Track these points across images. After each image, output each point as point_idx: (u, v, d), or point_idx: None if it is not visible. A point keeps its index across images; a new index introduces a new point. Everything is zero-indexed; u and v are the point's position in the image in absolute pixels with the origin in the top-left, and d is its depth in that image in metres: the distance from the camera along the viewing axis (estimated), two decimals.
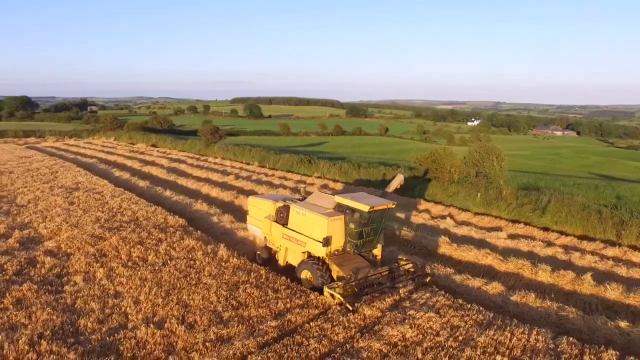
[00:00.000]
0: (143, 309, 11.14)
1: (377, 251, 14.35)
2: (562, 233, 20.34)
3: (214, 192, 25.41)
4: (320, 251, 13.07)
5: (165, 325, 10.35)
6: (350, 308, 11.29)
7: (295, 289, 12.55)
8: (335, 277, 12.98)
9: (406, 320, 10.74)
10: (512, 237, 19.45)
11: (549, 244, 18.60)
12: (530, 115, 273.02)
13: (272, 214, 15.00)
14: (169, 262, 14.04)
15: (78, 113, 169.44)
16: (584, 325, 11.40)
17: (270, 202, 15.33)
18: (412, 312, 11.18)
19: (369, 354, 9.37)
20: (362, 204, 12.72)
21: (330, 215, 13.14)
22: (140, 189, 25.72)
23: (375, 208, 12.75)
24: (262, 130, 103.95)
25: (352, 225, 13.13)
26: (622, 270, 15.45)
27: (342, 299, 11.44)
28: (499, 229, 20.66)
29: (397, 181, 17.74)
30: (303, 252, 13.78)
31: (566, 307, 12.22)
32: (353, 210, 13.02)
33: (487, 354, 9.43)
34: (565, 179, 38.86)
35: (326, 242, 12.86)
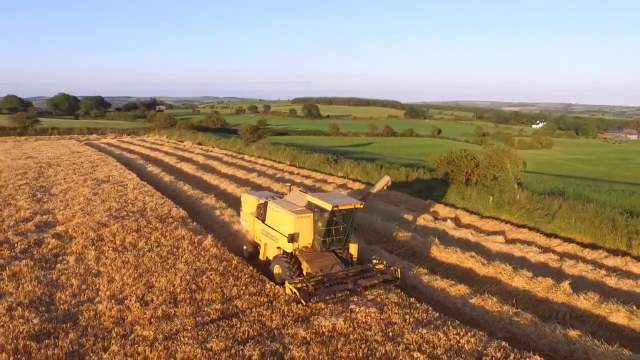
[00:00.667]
0: (113, 287, 12.43)
1: (353, 250, 14.54)
2: (569, 240, 19.38)
3: (230, 188, 26.76)
4: (288, 247, 13.56)
5: (125, 302, 11.52)
6: (304, 303, 11.61)
7: (256, 278, 13.29)
8: (305, 273, 13.32)
9: (344, 313, 11.11)
10: (510, 241, 18.88)
11: (547, 250, 17.84)
12: (601, 118, 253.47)
13: (254, 210, 15.80)
14: (154, 248, 15.37)
15: (144, 112, 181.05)
16: (533, 331, 11.10)
17: (254, 198, 16.15)
18: (354, 306, 11.50)
19: (291, 339, 9.90)
20: (327, 202, 13.06)
21: (299, 213, 13.61)
22: (163, 183, 27.74)
23: (339, 207, 13.04)
24: (313, 130, 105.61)
25: (319, 224, 13.49)
26: (611, 281, 14.59)
27: (297, 294, 11.79)
28: (500, 233, 20.08)
29: (383, 182, 17.84)
30: (277, 248, 14.34)
31: (523, 312, 11.92)
32: (320, 208, 13.42)
33: (407, 350, 9.60)
34: (612, 185, 36.32)
35: (291, 238, 13.30)
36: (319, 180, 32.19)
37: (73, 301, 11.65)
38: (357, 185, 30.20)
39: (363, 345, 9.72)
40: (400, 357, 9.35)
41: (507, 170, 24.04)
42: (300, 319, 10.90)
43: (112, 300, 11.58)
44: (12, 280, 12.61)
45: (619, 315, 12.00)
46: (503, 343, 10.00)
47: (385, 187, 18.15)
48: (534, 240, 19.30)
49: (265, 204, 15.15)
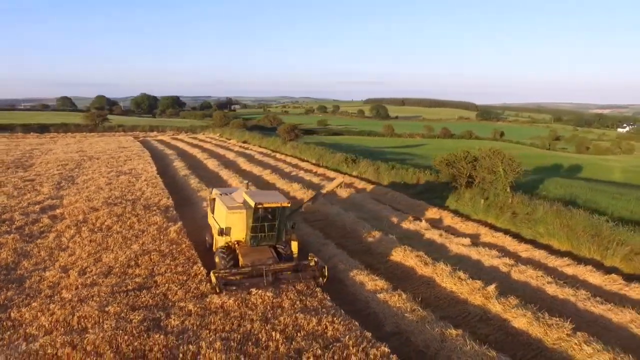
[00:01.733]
0: (69, 259, 14.53)
1: (294, 247, 14.92)
2: (546, 247, 18.67)
3: (235, 183, 28.55)
4: (220, 240, 14.49)
5: (69, 271, 13.50)
6: (218, 291, 12.29)
7: (191, 261, 14.68)
8: (241, 265, 13.91)
9: (240, 295, 12.12)
10: (477, 244, 18.49)
11: (510, 255, 17.37)
12: None
13: (209, 204, 17.16)
14: (123, 231, 17.39)
15: (215, 111, 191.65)
16: (417, 328, 11.30)
17: (213, 193, 17.54)
18: (254, 289, 12.45)
19: (177, 311, 11.17)
20: (253, 200, 13.74)
21: (232, 209, 14.41)
22: (178, 176, 30.26)
23: (264, 205, 13.68)
24: (368, 131, 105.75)
25: (249, 220, 14.05)
26: (551, 289, 14.08)
27: (215, 282, 12.47)
28: (473, 236, 19.70)
29: (335, 183, 18.37)
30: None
31: (420, 310, 12.08)
32: (248, 205, 14.07)
33: (272, 330, 10.42)
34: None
35: (221, 231, 14.19)
36: (330, 178, 33.02)
37: (31, 268, 13.86)
38: (362, 184, 30.59)
39: (235, 321, 10.73)
40: (260, 334, 10.22)
41: (499, 173, 23.28)
42: (198, 297, 12.11)
43: (60, 269, 13.62)
44: None
45: (521, 321, 11.78)
46: (365, 333, 10.46)
47: (338, 188, 18.63)
48: (504, 244, 18.77)
49: (214, 199, 16.36)
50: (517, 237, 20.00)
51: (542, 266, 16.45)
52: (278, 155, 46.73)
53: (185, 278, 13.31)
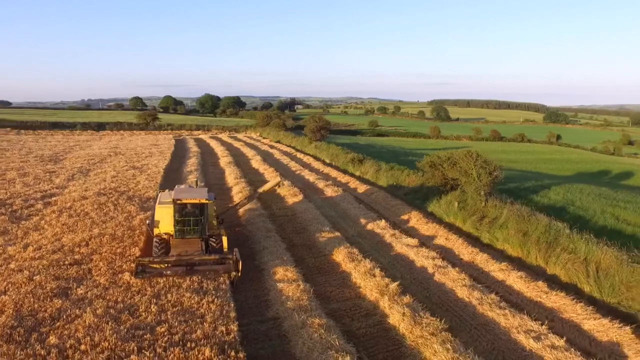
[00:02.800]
0: (36, 238, 16.85)
1: (224, 241, 15.62)
2: (499, 252, 18.40)
3: (230, 179, 30.37)
4: (155, 231, 15.57)
5: (28, 248, 15.74)
6: (133, 277, 13.34)
7: (134, 245, 16.43)
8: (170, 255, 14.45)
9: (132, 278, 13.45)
10: (423, 245, 18.58)
11: (448, 257, 17.40)
12: None
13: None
14: (96, 217, 19.62)
15: (274, 111, 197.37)
16: (290, 315, 12.05)
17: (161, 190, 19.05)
18: (156, 276, 13.66)
19: (90, 283, 12.96)
20: (174, 195, 14.87)
21: (161, 203, 15.57)
22: (184, 173, 32.63)
23: (183, 201, 14.56)
24: (412, 132, 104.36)
25: (175, 214, 14.78)
26: (461, 291, 14.04)
27: (133, 268, 13.48)
28: (427, 237, 19.85)
29: (272, 183, 19.09)
30: None
31: (307, 299, 12.82)
32: (172, 200, 15.01)
33: (155, 304, 11.80)
34: None
35: (150, 224, 15.57)
36: (331, 177, 33.92)
37: (1, 243, 16.30)
38: (356, 184, 31.07)
39: (129, 294, 12.36)
40: (141, 306, 11.66)
41: (471, 176, 22.86)
42: (117, 273, 13.76)
43: (22, 246, 15.94)
44: None
45: (396, 317, 12.14)
46: (231, 313, 11.52)
47: (276, 188, 19.32)
48: (453, 247, 18.67)
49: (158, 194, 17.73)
50: (477, 241, 19.82)
51: (476, 270, 16.41)
52: (298, 155, 48.24)
53: (117, 258, 15.06)
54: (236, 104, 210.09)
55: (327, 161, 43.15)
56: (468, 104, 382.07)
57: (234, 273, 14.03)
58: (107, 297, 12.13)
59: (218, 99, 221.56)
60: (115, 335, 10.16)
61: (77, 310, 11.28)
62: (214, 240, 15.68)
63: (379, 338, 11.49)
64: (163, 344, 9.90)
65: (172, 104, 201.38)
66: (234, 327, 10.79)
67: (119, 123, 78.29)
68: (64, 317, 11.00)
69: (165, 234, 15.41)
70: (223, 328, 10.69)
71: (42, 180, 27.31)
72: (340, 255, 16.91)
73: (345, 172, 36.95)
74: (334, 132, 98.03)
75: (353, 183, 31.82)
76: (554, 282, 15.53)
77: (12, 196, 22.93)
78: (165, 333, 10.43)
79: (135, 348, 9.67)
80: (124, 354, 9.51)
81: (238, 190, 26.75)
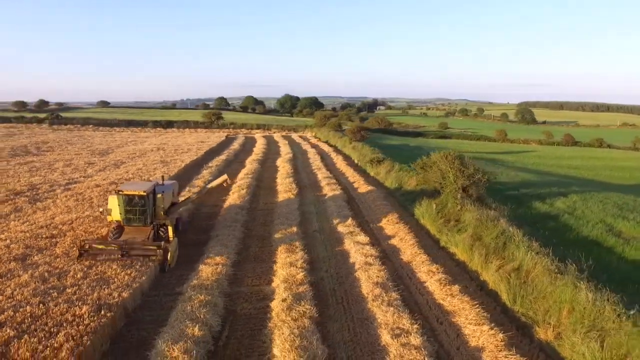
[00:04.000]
0: (38, 216, 20.21)
1: (170, 231, 17.16)
2: (450, 255, 18.37)
3: (241, 175, 32.63)
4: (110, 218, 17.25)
5: (24, 223, 19.02)
6: (77, 256, 15.14)
7: (104, 225, 19.06)
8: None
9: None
10: (373, 244, 19.00)
11: (387, 256, 17.80)
12: None
13: None
14: (95, 201, 22.77)
15: (350, 112, 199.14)
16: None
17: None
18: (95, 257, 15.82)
19: (36, 252, 15.58)
20: (118, 187, 16.86)
21: (114, 193, 17.24)
22: (201, 165, 35.60)
23: (124, 192, 16.10)
24: (477, 135, 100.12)
25: (122, 204, 16.35)
26: (367, 288, 14.68)
27: (78, 249, 15.33)
28: (387, 236, 20.33)
29: (220, 180, 20.37)
30: None
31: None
32: None
33: (74, 270, 14.09)
34: None
35: (104, 212, 17.72)
36: (346, 176, 34.92)
37: (11, 217, 19.85)
38: (360, 184, 31.62)
39: (55, 265, 14.65)
40: (70, 274, 13.91)
41: (448, 179, 22.55)
42: (72, 246, 16.27)
43: (22, 220, 19.33)
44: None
45: (276, 302, 13.19)
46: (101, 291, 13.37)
47: (224, 185, 20.62)
48: (402, 248, 18.82)
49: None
50: (436, 243, 19.82)
51: (405, 269, 16.70)
52: (332, 154, 49.63)
53: (84, 236, 17.70)
54: (313, 104, 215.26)
55: (355, 161, 43.94)
56: (561, 106, 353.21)
57: (160, 259, 15.32)
58: (52, 264, 14.61)
59: (297, 99, 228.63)
60: (32, 292, 12.49)
61: (21, 272, 13.87)
62: (162, 230, 17.25)
63: (252, 318, 12.60)
64: (60, 301, 12.00)
65: (252, 104, 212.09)
66: (126, 294, 12.59)
67: (186, 121, 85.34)
68: (8, 275, 13.64)
69: (117, 221, 17.00)
70: (116, 294, 12.56)
71: (78, 170, 31.78)
72: (282, 247, 18.05)
73: (363, 172, 37.63)
74: (393, 133, 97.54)
75: (359, 183, 32.38)
76: (482, 288, 15.43)
77: (45, 182, 27.21)
78: (70, 293, 12.53)
79: (36, 302, 11.87)
80: (25, 304, 11.75)
81: (238, 186, 28.79)
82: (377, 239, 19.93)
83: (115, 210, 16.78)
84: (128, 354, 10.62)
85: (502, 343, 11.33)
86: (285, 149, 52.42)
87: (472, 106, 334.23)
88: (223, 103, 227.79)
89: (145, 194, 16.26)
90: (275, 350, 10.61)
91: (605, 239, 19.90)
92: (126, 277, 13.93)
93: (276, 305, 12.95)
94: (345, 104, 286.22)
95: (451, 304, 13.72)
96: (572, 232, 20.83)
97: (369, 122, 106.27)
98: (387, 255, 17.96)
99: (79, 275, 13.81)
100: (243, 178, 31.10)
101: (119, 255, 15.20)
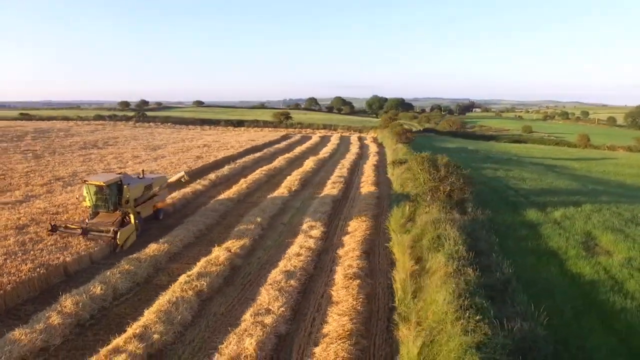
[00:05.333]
0: (63, 197, 24.75)
1: (132, 218, 19.50)
2: (390, 255, 19.09)
3: (256, 171, 35.36)
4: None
5: (43, 194, 23.58)
6: (48, 231, 18.31)
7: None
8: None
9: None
10: (322, 239, 20.20)
11: (326, 249, 19.11)
12: None
13: None
14: None
15: (432, 114, 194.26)
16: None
17: None
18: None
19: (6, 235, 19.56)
20: (87, 178, 19.52)
21: (85, 182, 19.31)
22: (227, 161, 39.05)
23: (89, 182, 18.86)
24: (557, 140, 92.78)
25: (90, 192, 19.06)
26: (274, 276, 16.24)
27: (50, 227, 18.41)
28: (342, 232, 21.42)
29: (177, 176, 22.47)
30: None
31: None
32: None
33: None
34: None
35: (79, 198, 21.20)
36: (354, 177, 36.01)
37: (37, 195, 24.61)
38: (367, 185, 32.40)
39: (25, 237, 18.11)
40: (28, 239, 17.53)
41: (418, 180, 22.74)
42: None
43: (45, 198, 23.89)
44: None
45: (162, 279, 15.39)
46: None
47: (181, 181, 22.95)
48: (347, 244, 19.80)
49: None
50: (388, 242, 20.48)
51: (331, 261, 17.86)
52: (372, 155, 50.56)
53: (80, 215, 21.51)
54: (399, 106, 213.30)
55: (389, 162, 44.56)
56: None
57: (111, 240, 17.99)
58: (39, 234, 18.20)
59: (385, 100, 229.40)
60: (5, 250, 16.13)
61: (12, 237, 17.64)
62: (127, 217, 19.48)
63: (158, 287, 14.69)
64: (18, 259, 15.36)
65: (339, 104, 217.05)
66: (69, 259, 15.73)
67: (256, 121, 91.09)
68: (0, 238, 17.58)
69: (89, 206, 19.49)
70: (62, 258, 15.72)
71: (122, 162, 37.04)
72: (236, 235, 20.08)
73: (384, 173, 38.27)
74: (462, 135, 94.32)
75: (367, 183, 32.82)
76: (389, 287, 16.01)
77: (86, 171, 32.48)
78: (31, 254, 15.81)
79: (2, 259, 15.45)
80: None
81: (245, 181, 31.48)
82: (332, 235, 21.05)
83: (88, 197, 19.25)
84: (46, 299, 13.53)
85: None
86: (327, 149, 54.22)
87: (579, 109, 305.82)
88: (313, 103, 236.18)
89: (104, 184, 18.64)
90: (147, 312, 12.77)
91: (567, 250, 18.98)
92: (82, 248, 17.09)
93: (181, 279, 15.11)
94: (435, 106, 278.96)
95: (338, 295, 14.63)
96: (537, 241, 20.12)
97: (442, 125, 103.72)
98: (326, 249, 19.13)
99: (50, 243, 17.27)
100: (258, 173, 33.80)
101: (80, 234, 18.08)
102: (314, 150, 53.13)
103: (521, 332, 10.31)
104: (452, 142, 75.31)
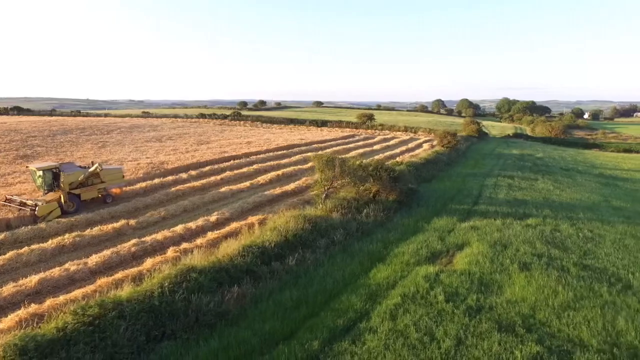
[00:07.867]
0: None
1: (62, 197, 23.43)
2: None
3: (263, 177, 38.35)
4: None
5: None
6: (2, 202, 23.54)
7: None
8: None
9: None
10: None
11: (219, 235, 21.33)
12: None
13: None
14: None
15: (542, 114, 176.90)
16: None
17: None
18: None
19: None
20: (29, 164, 25.12)
21: (27, 167, 25.71)
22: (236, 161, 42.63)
23: (28, 167, 25.58)
24: (582, 144, 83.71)
25: (35, 175, 24.40)
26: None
27: (4, 200, 23.63)
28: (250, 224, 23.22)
29: (92, 169, 24.54)
30: None
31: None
32: None
33: None
34: None
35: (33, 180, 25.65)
36: None
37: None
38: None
39: None
40: None
41: (317, 180, 23.51)
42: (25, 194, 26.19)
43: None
44: None
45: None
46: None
47: (95, 172, 25.47)
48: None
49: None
50: None
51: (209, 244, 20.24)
52: (406, 155, 49.88)
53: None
54: (527, 109, 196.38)
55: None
56: None
57: (32, 212, 22.17)
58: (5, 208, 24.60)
59: (514, 103, 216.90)
60: None
61: None
62: (67, 196, 23.60)
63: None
64: None
65: (465, 107, 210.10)
66: None
67: (339, 121, 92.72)
68: None
69: (38, 186, 24.60)
70: None
71: (164, 153, 42.96)
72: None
73: None
74: (555, 142, 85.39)
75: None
76: None
77: (124, 158, 39.73)
78: None
79: None
80: None
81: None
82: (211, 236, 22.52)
83: (34, 179, 24.87)
84: None
85: None
86: (364, 150, 52.74)
87: None
88: (440, 105, 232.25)
89: (35, 169, 23.96)
90: None
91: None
92: (10, 216, 22.18)
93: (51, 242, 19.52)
94: (576, 110, 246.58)
95: None
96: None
97: (539, 130, 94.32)
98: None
99: None
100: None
101: (19, 206, 22.73)
102: (348, 151, 53.42)
103: None
104: (524, 149, 67.11)
